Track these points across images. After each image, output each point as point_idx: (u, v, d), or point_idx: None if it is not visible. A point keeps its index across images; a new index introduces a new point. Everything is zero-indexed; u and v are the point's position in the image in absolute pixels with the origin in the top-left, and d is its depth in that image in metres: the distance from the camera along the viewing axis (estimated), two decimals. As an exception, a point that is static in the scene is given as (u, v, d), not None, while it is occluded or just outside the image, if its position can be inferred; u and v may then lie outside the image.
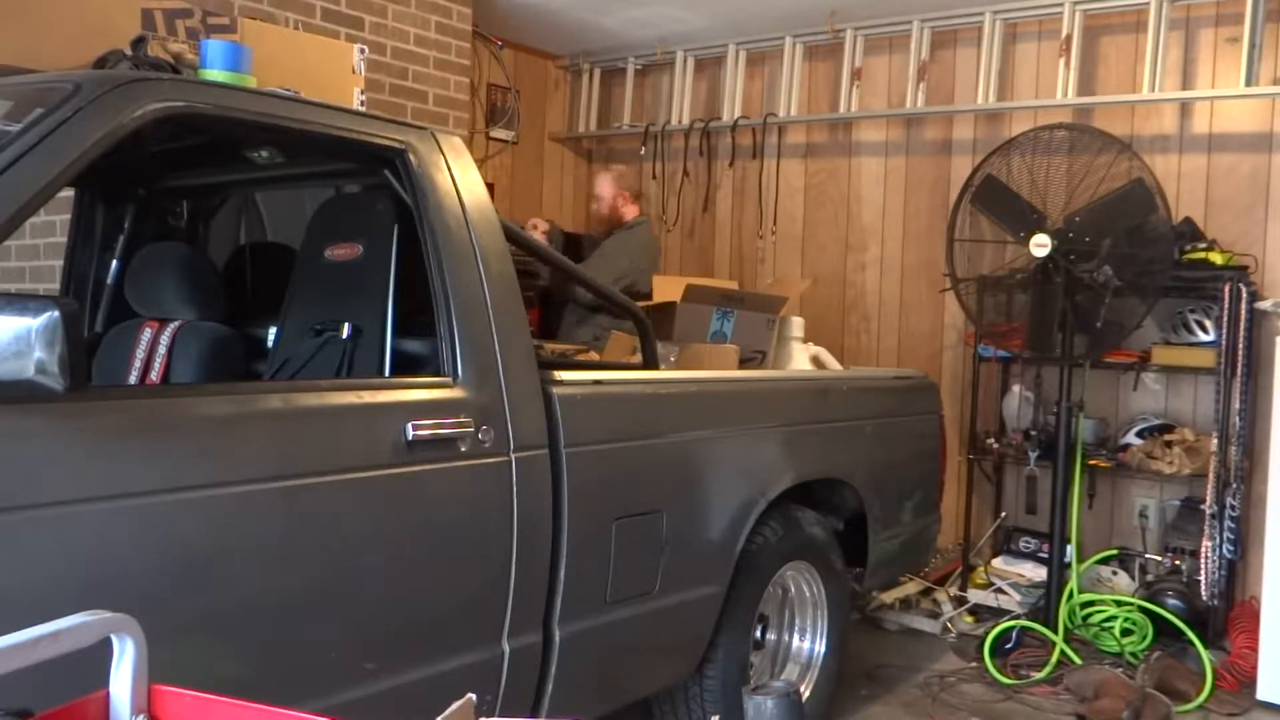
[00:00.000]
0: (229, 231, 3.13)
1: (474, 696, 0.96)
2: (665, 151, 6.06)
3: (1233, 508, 4.12)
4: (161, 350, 2.51)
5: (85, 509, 1.58)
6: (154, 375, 2.49)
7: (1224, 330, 4.17)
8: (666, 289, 4.19)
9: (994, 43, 4.95)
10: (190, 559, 1.71)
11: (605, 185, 5.12)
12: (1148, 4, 4.51)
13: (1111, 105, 4.71)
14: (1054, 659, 3.94)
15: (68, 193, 2.84)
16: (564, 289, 4.74)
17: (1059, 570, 4.18)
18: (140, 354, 2.52)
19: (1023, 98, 4.98)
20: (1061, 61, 4.72)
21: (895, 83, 5.37)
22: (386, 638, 2.00)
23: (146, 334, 2.54)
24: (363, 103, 3.90)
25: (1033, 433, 4.59)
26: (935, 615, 4.49)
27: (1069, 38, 4.70)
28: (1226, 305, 4.14)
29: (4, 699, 1.01)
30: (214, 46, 2.70)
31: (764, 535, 2.91)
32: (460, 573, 2.13)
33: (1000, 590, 4.55)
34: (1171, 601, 4.14)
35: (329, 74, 3.71)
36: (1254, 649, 3.75)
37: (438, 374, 2.19)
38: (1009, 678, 3.85)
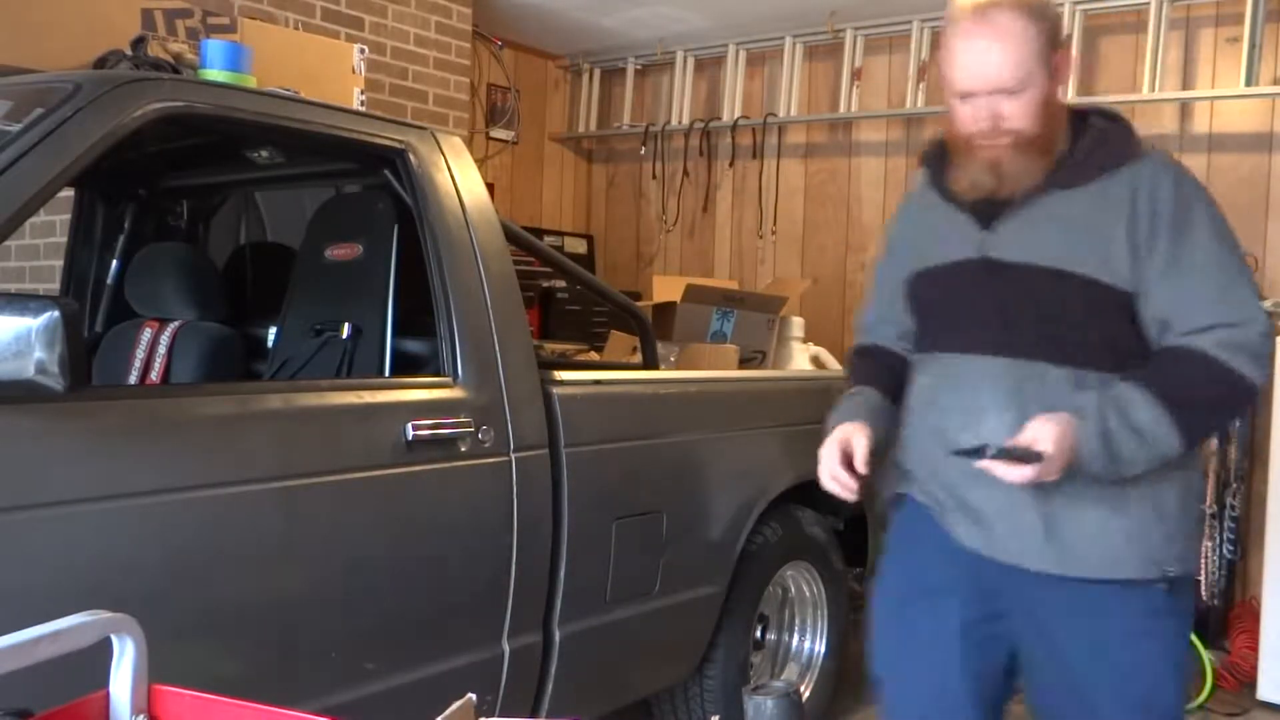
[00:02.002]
0: (229, 231, 3.13)
1: (474, 696, 0.95)
2: (665, 151, 6.05)
3: (1233, 508, 4.12)
4: (161, 350, 2.51)
5: (85, 509, 1.58)
6: (154, 375, 2.50)
7: (1224, 330, 4.16)
8: (666, 289, 4.19)
9: (994, 43, 4.94)
10: (190, 559, 1.71)
11: None
12: (1148, 4, 4.50)
13: (1111, 105, 4.70)
14: (1054, 659, 3.92)
15: (68, 193, 2.84)
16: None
17: (1059, 570, 4.16)
18: (140, 354, 2.52)
19: (1023, 98, 4.97)
20: (1061, 61, 4.71)
21: (895, 83, 5.36)
22: (386, 638, 2.00)
23: (146, 334, 2.55)
24: (363, 103, 3.89)
25: (1033, 432, 4.57)
26: (935, 615, 4.48)
27: (1069, 38, 4.69)
28: (1226, 305, 4.13)
29: (4, 699, 1.01)
30: (214, 46, 2.70)
31: (764, 535, 2.91)
32: (460, 573, 2.13)
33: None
34: (1172, 601, 4.12)
35: (329, 74, 3.71)
36: (1254, 649, 3.75)
37: (438, 374, 2.19)
38: (1009, 678, 3.84)
